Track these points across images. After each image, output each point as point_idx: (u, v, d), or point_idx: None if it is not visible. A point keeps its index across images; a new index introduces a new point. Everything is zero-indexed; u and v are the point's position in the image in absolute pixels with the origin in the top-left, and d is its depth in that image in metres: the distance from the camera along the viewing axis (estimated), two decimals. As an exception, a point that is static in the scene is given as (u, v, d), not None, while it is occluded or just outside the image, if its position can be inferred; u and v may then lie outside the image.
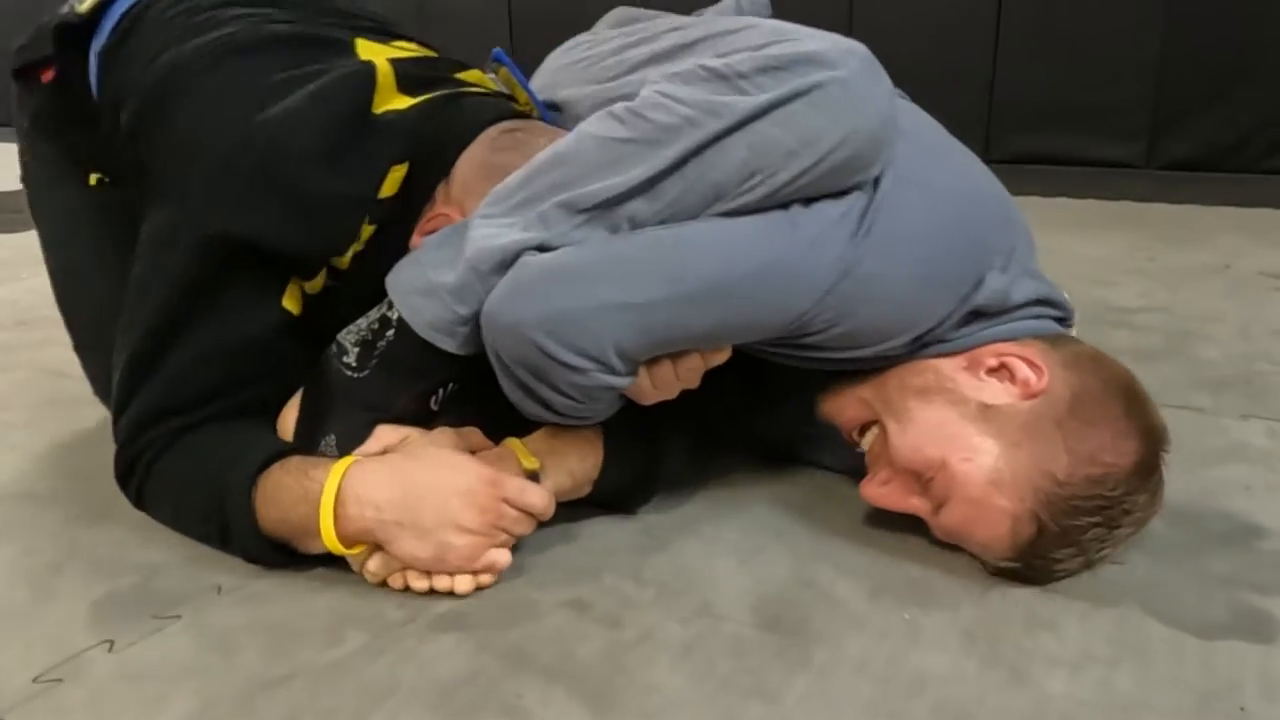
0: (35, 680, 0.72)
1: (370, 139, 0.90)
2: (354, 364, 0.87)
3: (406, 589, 0.83)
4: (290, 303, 0.90)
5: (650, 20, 1.11)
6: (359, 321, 0.89)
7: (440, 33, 4.15)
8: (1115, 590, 0.83)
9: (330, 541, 0.80)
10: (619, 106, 0.83)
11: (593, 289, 0.78)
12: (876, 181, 0.83)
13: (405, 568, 0.82)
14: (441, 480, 0.82)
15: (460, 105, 0.98)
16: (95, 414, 1.14)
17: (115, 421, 0.90)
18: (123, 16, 1.01)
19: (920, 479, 0.86)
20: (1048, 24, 3.29)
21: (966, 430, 0.84)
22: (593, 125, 0.84)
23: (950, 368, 0.87)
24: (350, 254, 0.91)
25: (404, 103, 0.94)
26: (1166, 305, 1.74)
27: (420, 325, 0.84)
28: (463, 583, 0.82)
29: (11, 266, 2.02)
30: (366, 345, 0.87)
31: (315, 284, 0.91)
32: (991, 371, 0.86)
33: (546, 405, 0.84)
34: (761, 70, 0.79)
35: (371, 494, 0.80)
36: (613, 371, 0.80)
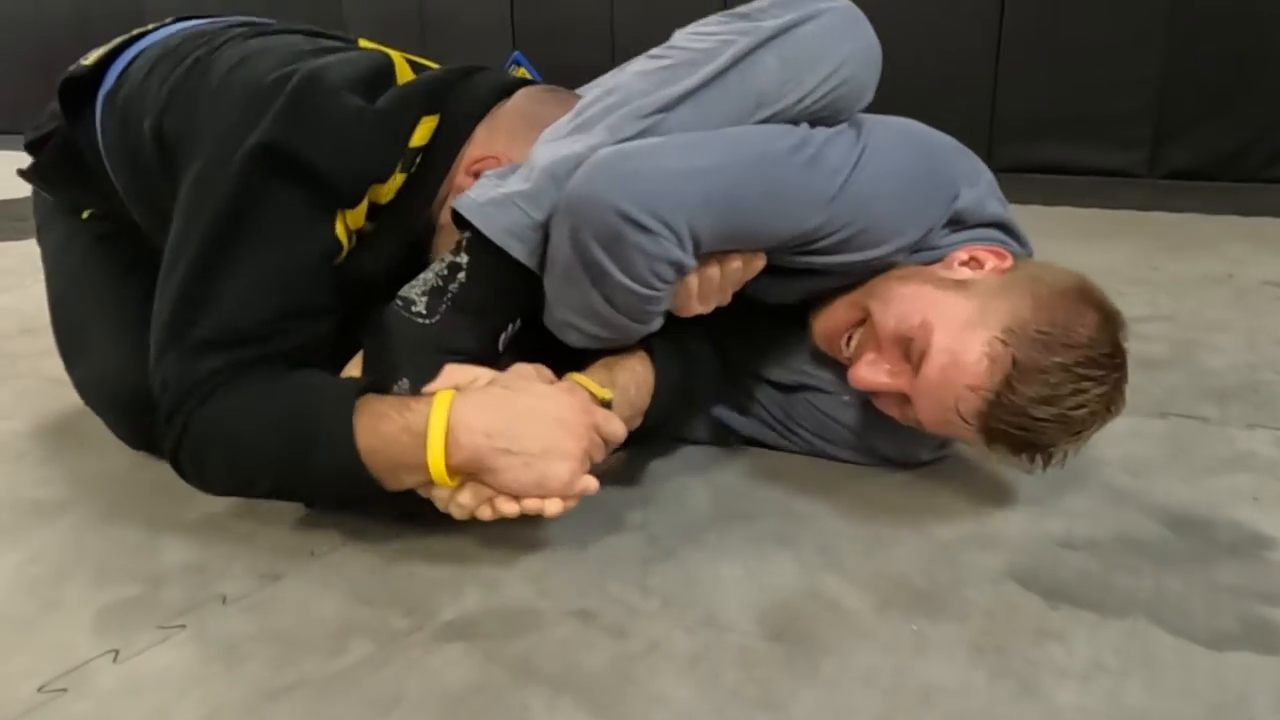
0: (40, 690, 0.72)
1: (399, 90, 0.95)
2: (424, 311, 0.90)
3: (493, 519, 0.83)
4: (340, 233, 0.90)
5: None
6: (421, 276, 0.92)
7: (441, 42, 4.18)
8: (1124, 601, 0.83)
9: (439, 472, 0.81)
10: (653, 50, 0.94)
11: (662, 159, 0.87)
12: (857, 123, 0.98)
13: (495, 496, 0.82)
14: (543, 408, 0.83)
15: (483, 72, 1.04)
16: (100, 422, 1.14)
17: (161, 356, 0.86)
18: (129, 62, 1.07)
19: (902, 345, 0.94)
20: (1049, 34, 3.30)
21: (942, 295, 0.94)
22: (633, 65, 0.95)
23: (929, 267, 0.99)
24: (386, 195, 0.93)
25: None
26: (1171, 314, 1.74)
27: (495, 231, 0.88)
28: (553, 505, 0.82)
29: (16, 275, 2.02)
30: (436, 292, 0.91)
31: (358, 216, 0.92)
32: (963, 264, 0.98)
33: (609, 298, 0.88)
34: (775, 4, 0.94)
35: (480, 422, 0.81)
36: (680, 244, 0.86)
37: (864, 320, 0.99)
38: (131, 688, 0.72)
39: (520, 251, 0.89)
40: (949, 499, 1.01)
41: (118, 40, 1.11)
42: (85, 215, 1.17)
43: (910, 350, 0.93)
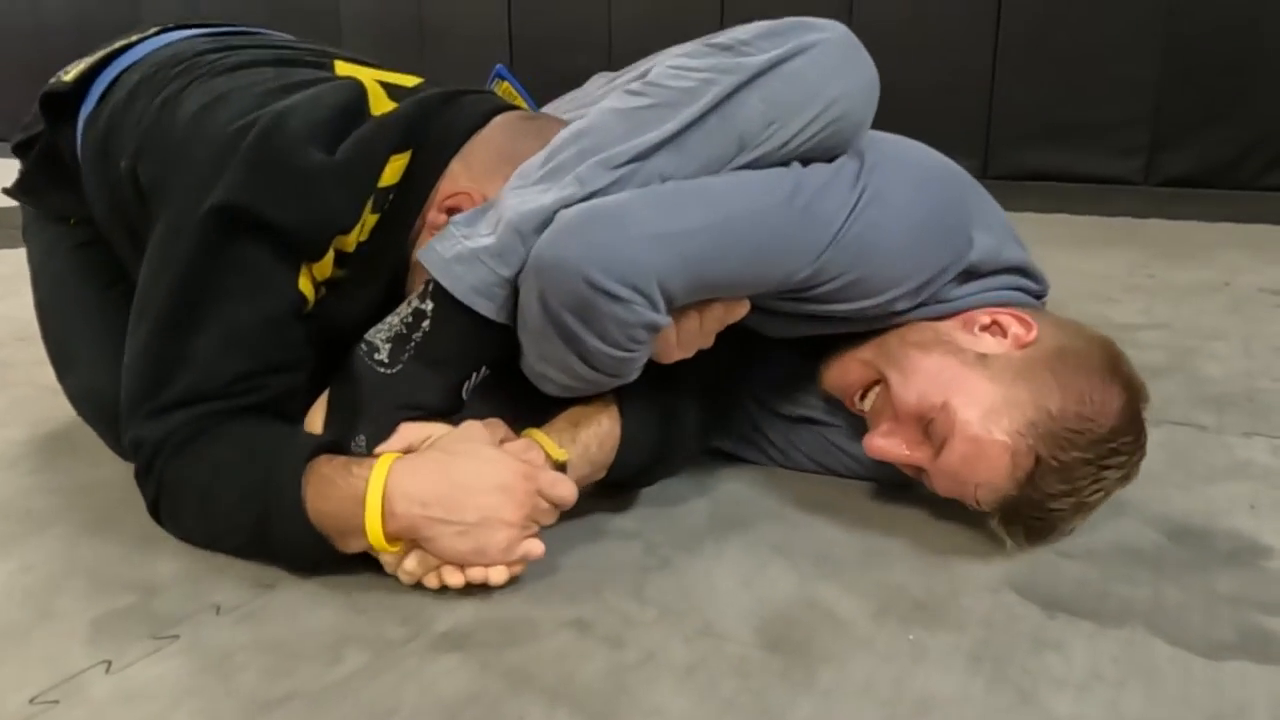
0: (32, 701, 0.71)
1: (367, 130, 0.91)
2: (386, 360, 0.88)
3: (442, 587, 0.83)
4: (305, 286, 0.89)
5: None
6: (388, 319, 0.89)
7: (439, 53, 4.19)
8: (1122, 610, 0.82)
9: (376, 539, 0.81)
10: (633, 84, 0.89)
11: (633, 222, 0.81)
12: (859, 154, 0.92)
13: (441, 565, 0.83)
14: (482, 475, 0.82)
15: (460, 100, 0.99)
16: (94, 431, 1.13)
17: (132, 413, 0.87)
18: (110, 83, 1.04)
19: (921, 423, 0.91)
20: (1047, 41, 3.31)
21: (965, 374, 0.90)
22: (610, 101, 0.89)
23: (946, 326, 0.95)
24: (354, 241, 0.91)
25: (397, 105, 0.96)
26: (1167, 322, 1.74)
27: (462, 290, 0.85)
28: (498, 574, 0.82)
29: (11, 282, 2.02)
30: (399, 340, 0.88)
31: (324, 267, 0.90)
32: (984, 328, 0.94)
33: (585, 359, 0.84)
34: (761, 35, 0.87)
35: (417, 490, 0.81)
36: (654, 307, 0.82)
37: (879, 380, 0.96)
38: (124, 698, 0.71)
39: (488, 309, 0.85)
40: (946, 508, 1.01)
41: (100, 54, 1.08)
42: (72, 221, 1.16)
43: (930, 430, 0.90)
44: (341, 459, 0.84)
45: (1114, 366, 0.90)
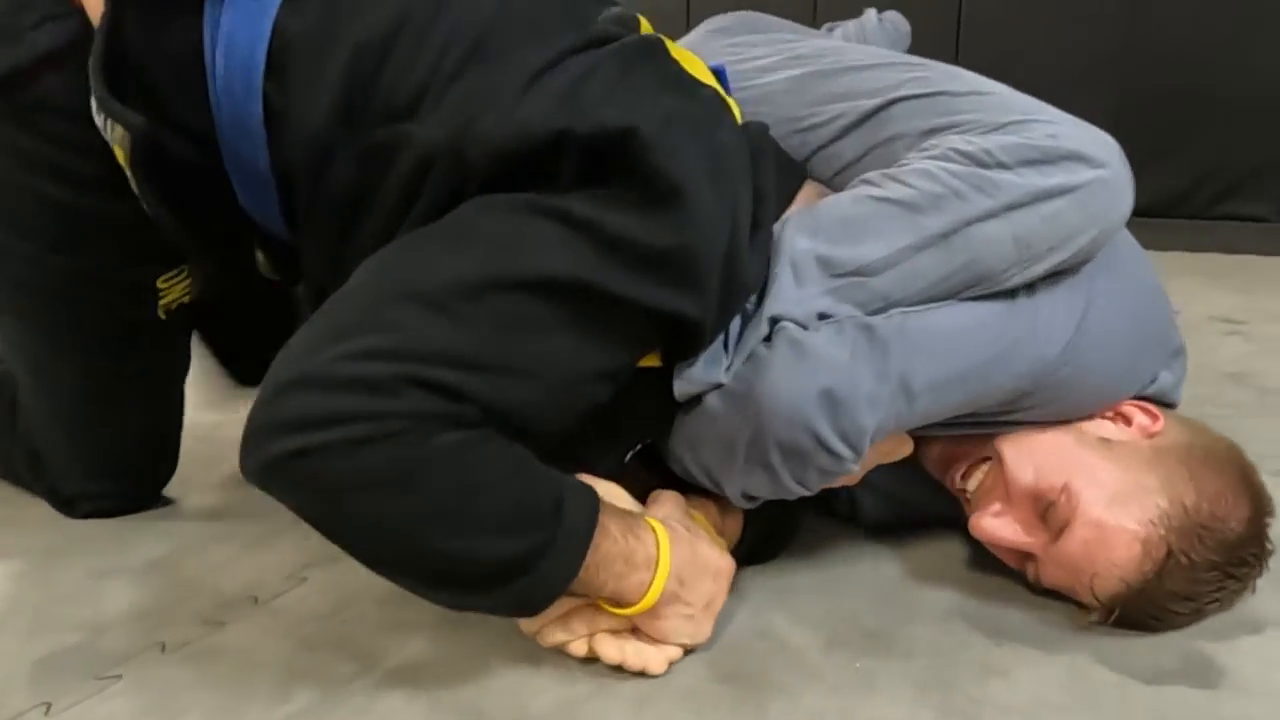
0: (-33, 745, 0.70)
1: (759, 250, 0.79)
2: None
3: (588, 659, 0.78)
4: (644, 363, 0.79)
5: (794, 34, 1.09)
6: None
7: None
8: (1067, 637, 0.83)
9: (650, 602, 0.74)
10: (874, 174, 0.82)
11: (866, 379, 0.76)
12: (1083, 272, 0.84)
13: (594, 634, 0.77)
14: (709, 558, 0.79)
15: (773, 158, 0.86)
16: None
17: (377, 356, 0.65)
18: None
19: (1038, 506, 0.84)
20: (1003, 73, 3.38)
21: (1086, 455, 0.84)
22: (850, 190, 0.83)
23: None
24: None
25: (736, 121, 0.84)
26: (1120, 349, 1.77)
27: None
28: (658, 664, 0.77)
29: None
30: None
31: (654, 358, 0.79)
32: (1107, 418, 0.88)
33: (748, 486, 0.80)
34: (1026, 163, 0.78)
35: (677, 565, 0.76)
36: (858, 460, 0.78)
37: (988, 458, 0.88)
38: (64, 741, 0.70)
39: (681, 387, 0.79)
40: (903, 536, 1.01)
41: None
42: (164, 295, 0.92)
43: (1048, 514, 0.83)
44: (619, 514, 0.75)
45: (1244, 473, 0.84)
